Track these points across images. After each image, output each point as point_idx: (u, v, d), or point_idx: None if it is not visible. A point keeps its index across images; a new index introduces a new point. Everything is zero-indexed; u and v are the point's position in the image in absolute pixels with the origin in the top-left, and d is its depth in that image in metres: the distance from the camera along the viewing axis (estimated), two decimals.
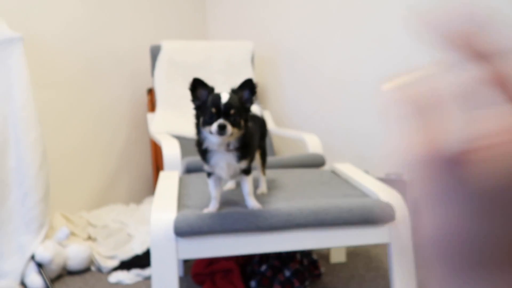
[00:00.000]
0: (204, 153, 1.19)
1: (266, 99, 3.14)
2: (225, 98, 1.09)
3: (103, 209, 2.50)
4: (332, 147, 2.77)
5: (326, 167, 1.97)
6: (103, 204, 2.63)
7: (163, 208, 1.26)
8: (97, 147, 2.67)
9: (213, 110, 1.08)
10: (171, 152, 1.90)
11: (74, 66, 2.52)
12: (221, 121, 1.06)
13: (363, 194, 1.45)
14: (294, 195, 1.42)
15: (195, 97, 1.13)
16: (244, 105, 1.15)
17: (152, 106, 2.83)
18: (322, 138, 2.29)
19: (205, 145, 1.16)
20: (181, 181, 1.64)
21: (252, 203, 1.25)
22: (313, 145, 2.18)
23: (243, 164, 1.21)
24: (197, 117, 1.16)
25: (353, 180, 1.61)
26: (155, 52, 2.63)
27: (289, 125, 3.01)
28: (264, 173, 1.49)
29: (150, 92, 2.86)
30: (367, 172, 1.72)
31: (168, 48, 2.62)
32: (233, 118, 1.08)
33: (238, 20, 3.27)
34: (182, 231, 1.16)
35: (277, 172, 1.76)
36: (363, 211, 1.25)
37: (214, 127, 1.07)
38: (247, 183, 1.25)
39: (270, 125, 2.64)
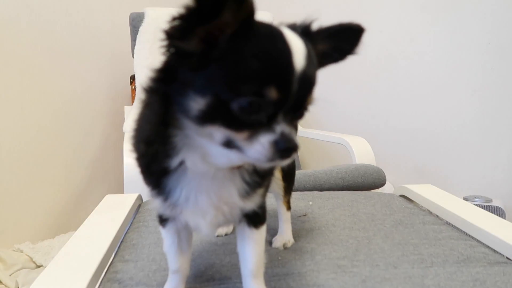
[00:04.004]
0: (159, 173, 0.46)
1: None
2: (300, 54, 0.41)
3: (58, 239, 1.81)
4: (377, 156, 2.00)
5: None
6: (62, 231, 1.94)
7: None
8: (60, 153, 2.01)
9: (274, 93, 0.39)
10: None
11: (29, 40, 1.83)
12: (285, 129, 0.41)
13: (496, 252, 0.69)
14: (353, 256, 0.67)
15: (186, 27, 0.38)
16: None
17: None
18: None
19: (180, 157, 0.43)
20: (136, 216, 0.91)
21: None
22: (361, 153, 1.42)
23: (253, 201, 0.49)
24: (168, 78, 0.42)
25: (458, 218, 0.85)
26: (136, 23, 1.92)
27: (312, 124, 2.20)
28: (288, 205, 0.75)
29: (134, 79, 2.17)
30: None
31: (153, 17, 1.91)
32: (304, 113, 0.45)
33: None
34: None
35: (309, 198, 1.01)
36: None
37: (268, 149, 0.40)
38: (256, 245, 0.52)
39: None
